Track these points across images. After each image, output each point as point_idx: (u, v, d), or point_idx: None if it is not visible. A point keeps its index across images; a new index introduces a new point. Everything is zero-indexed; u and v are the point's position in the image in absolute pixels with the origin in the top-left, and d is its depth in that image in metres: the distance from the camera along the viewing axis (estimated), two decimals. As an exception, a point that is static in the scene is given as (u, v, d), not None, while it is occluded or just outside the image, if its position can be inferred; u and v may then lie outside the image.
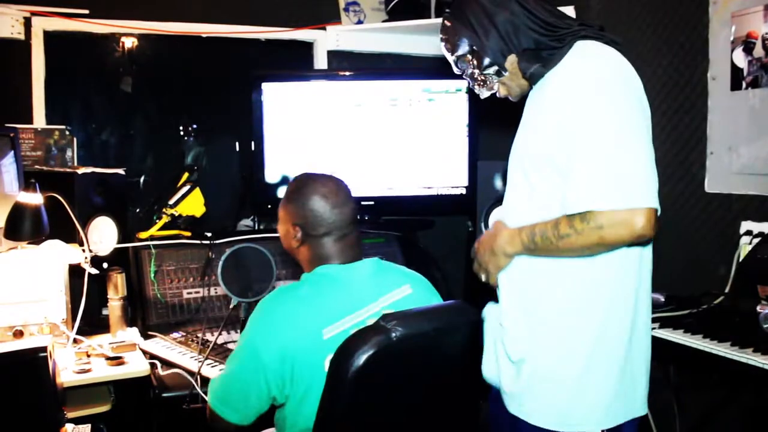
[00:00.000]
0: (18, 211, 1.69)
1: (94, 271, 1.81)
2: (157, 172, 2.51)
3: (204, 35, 2.42)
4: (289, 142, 2.33)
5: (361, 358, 1.06)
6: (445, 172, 2.41)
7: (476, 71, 1.19)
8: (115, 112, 2.47)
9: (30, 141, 2.11)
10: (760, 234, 1.77)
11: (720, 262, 1.89)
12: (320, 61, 2.59)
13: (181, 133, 2.40)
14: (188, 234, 2.11)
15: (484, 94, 1.23)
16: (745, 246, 1.79)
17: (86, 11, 2.23)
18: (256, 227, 2.46)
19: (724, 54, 1.93)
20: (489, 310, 1.26)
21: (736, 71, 1.91)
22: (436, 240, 2.57)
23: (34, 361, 1.24)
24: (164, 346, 1.77)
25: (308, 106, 2.33)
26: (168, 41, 2.41)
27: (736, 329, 1.56)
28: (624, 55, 1.13)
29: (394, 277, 1.38)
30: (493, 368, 1.22)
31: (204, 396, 1.44)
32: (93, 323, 1.90)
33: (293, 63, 2.65)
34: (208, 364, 1.60)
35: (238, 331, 1.61)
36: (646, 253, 1.16)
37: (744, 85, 1.89)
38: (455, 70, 1.25)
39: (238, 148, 2.51)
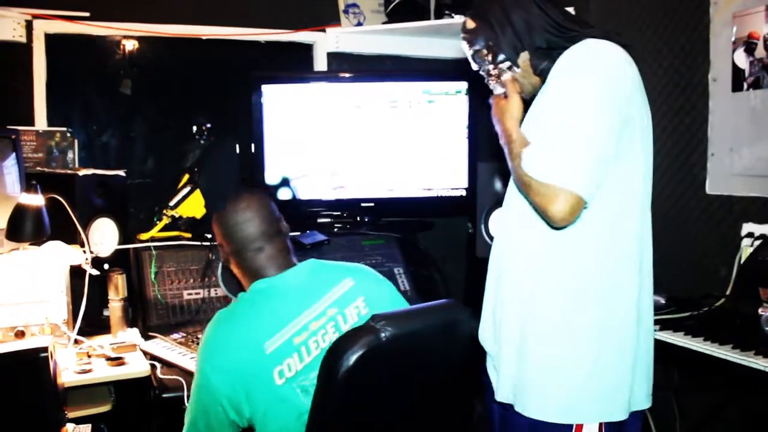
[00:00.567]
0: (19, 213, 1.70)
1: (95, 272, 1.81)
2: (157, 173, 2.51)
3: (204, 37, 2.42)
4: (289, 144, 2.33)
5: (351, 359, 1.07)
6: (444, 173, 2.41)
7: (491, 66, 1.24)
8: (116, 114, 2.47)
9: (32, 143, 2.12)
10: (762, 236, 1.77)
11: (721, 265, 1.89)
12: (320, 63, 2.59)
13: (194, 132, 2.40)
14: (188, 235, 2.11)
15: (498, 90, 1.26)
16: (747, 248, 1.79)
17: (87, 14, 2.24)
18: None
19: (725, 55, 1.93)
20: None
21: (737, 72, 1.90)
22: (436, 241, 2.57)
23: (35, 362, 1.25)
24: (164, 346, 1.77)
25: (308, 107, 2.34)
26: (168, 43, 2.42)
27: (738, 332, 1.56)
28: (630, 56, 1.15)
29: (332, 274, 1.38)
30: (489, 334, 1.23)
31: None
32: (94, 324, 1.90)
33: (293, 65, 2.65)
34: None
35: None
36: (646, 247, 1.16)
37: (745, 86, 1.88)
38: (473, 66, 1.29)
39: (238, 150, 2.51)
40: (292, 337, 1.24)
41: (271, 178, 2.33)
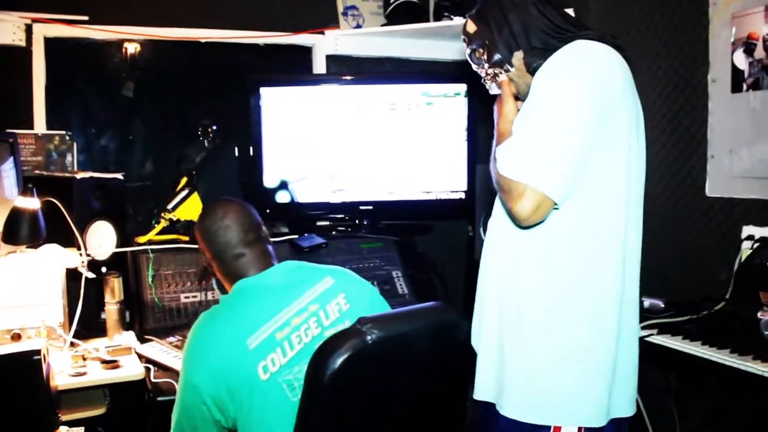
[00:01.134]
0: (15, 216, 1.71)
1: (91, 275, 1.82)
2: (155, 176, 2.52)
3: (203, 40, 2.43)
4: (288, 146, 2.33)
5: (337, 362, 1.06)
6: (444, 176, 2.40)
7: (486, 65, 1.24)
8: (114, 117, 2.48)
9: (31, 146, 2.13)
10: (762, 239, 1.74)
11: (721, 268, 1.87)
12: (319, 66, 2.59)
13: (199, 133, 2.41)
14: (186, 238, 2.12)
15: (494, 90, 1.27)
16: (747, 251, 1.77)
17: (86, 18, 2.25)
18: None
19: (725, 56, 1.91)
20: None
21: (736, 73, 1.88)
22: (435, 244, 2.56)
23: (28, 364, 1.26)
24: (160, 350, 1.77)
25: (307, 110, 2.34)
26: (166, 46, 2.43)
27: (737, 335, 1.54)
28: (624, 59, 1.14)
29: (312, 273, 1.41)
30: (476, 333, 1.24)
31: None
32: (90, 327, 1.91)
33: (292, 67, 2.65)
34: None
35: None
36: (632, 249, 1.15)
37: (745, 87, 1.86)
38: (473, 66, 1.29)
39: (237, 153, 2.51)
40: (274, 333, 1.25)
41: (269, 181, 2.33)
